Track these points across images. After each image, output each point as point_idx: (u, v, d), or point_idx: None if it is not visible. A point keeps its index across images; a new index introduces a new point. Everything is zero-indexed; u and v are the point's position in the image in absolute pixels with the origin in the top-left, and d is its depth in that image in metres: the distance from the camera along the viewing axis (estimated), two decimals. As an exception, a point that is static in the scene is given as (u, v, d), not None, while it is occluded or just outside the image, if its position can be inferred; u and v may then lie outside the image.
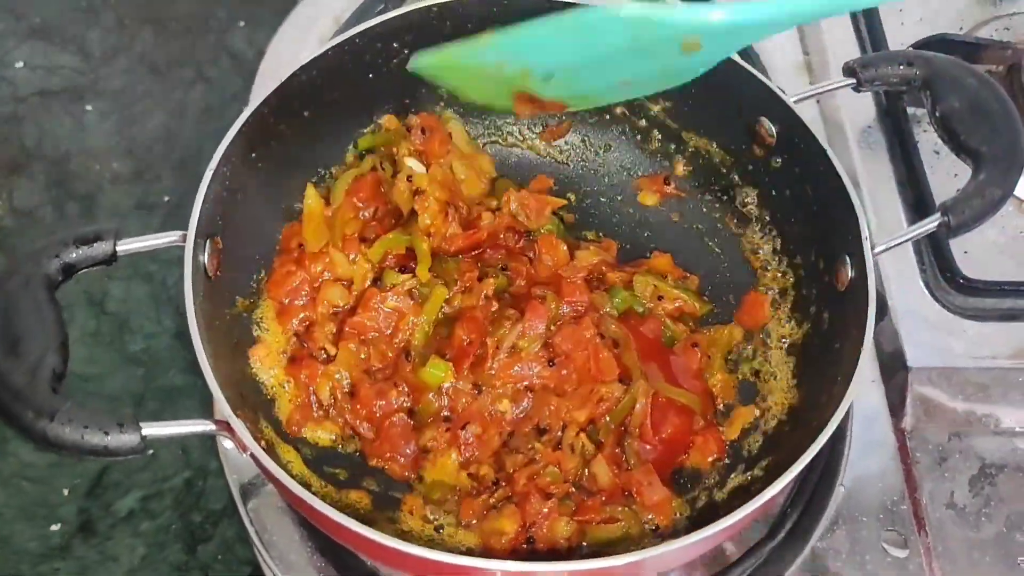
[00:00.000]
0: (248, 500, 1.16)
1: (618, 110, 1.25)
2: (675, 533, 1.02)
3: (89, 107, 1.75)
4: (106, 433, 0.83)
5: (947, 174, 1.30)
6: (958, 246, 1.28)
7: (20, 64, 1.78)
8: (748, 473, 1.06)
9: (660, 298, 1.15)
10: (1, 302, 0.88)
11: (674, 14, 0.84)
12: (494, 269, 1.12)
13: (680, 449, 1.09)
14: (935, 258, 1.28)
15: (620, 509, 1.02)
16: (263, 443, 0.91)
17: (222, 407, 0.87)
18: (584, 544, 1.01)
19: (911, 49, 1.10)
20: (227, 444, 0.90)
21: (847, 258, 1.01)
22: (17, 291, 0.89)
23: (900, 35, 1.48)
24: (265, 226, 1.12)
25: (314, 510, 0.85)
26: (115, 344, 1.51)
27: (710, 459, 1.08)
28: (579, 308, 1.10)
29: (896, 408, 1.22)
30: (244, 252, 1.08)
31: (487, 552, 0.97)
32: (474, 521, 1.00)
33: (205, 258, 0.97)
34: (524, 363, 1.05)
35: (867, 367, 1.25)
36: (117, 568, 1.37)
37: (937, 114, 1.06)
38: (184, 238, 0.95)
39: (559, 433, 1.05)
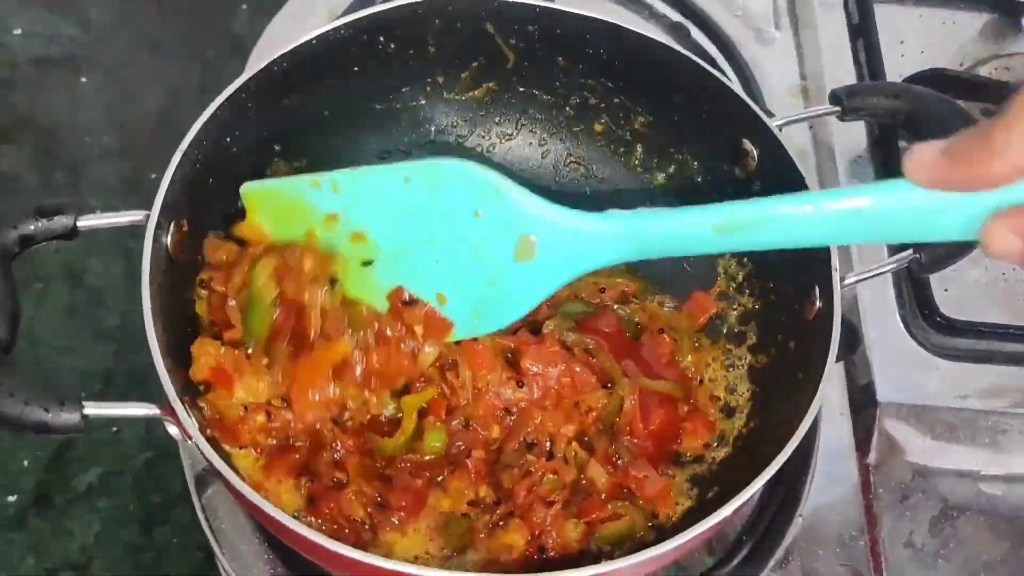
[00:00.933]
0: (202, 489, 1.15)
1: (599, 125, 1.24)
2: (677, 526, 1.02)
3: (84, 79, 1.74)
4: (46, 410, 0.82)
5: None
6: (938, 284, 1.27)
7: (18, 31, 1.77)
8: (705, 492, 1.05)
9: (602, 290, 1.15)
10: None
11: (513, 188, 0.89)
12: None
13: (671, 439, 1.08)
14: (915, 294, 1.27)
15: (622, 504, 1.02)
16: (209, 432, 0.90)
17: (168, 391, 0.86)
18: (593, 544, 1.00)
19: (900, 82, 1.09)
20: (173, 431, 0.89)
21: (816, 289, 0.99)
22: None
23: (899, 66, 1.47)
24: (236, 211, 1.11)
25: (259, 510, 0.84)
26: (89, 319, 1.50)
27: (702, 443, 1.08)
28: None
29: (862, 442, 1.21)
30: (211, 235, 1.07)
31: (499, 569, 0.95)
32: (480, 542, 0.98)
33: (168, 239, 0.96)
34: (492, 392, 1.04)
35: (836, 400, 1.24)
36: (71, 543, 1.36)
37: None
38: (147, 217, 0.94)
39: (548, 446, 1.04)
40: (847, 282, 0.98)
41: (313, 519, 0.96)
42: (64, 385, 1.37)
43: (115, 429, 1.43)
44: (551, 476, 1.01)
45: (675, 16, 1.55)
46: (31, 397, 0.82)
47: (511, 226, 0.91)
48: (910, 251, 1.00)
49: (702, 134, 1.16)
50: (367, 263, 0.98)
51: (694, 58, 1.13)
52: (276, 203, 1.00)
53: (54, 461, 1.41)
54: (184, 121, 1.00)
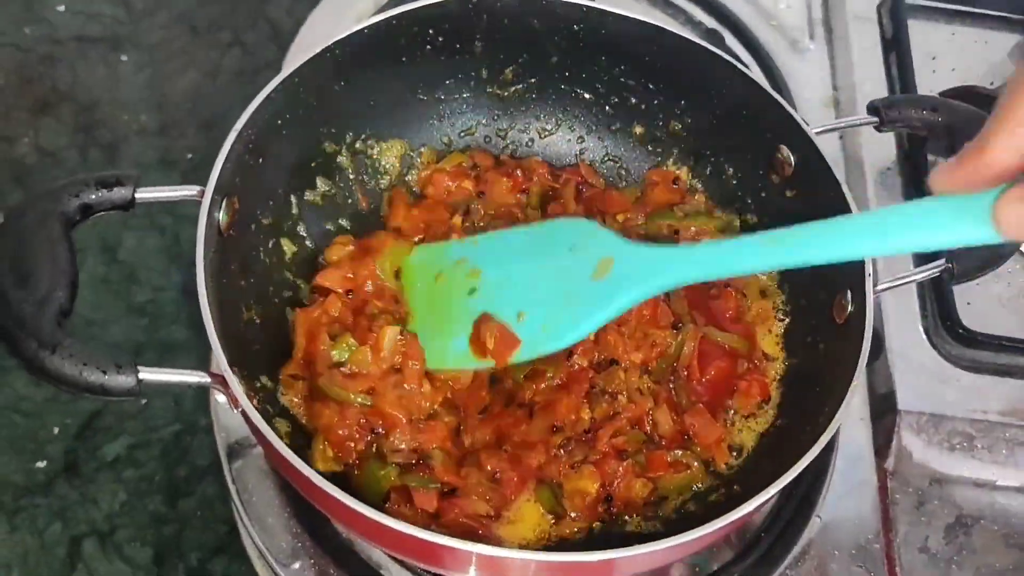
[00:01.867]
0: (233, 460, 1.17)
1: (639, 126, 1.26)
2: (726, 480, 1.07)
3: (124, 57, 1.76)
4: (104, 372, 0.84)
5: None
6: (961, 296, 1.29)
7: (62, 8, 1.79)
8: (724, 491, 1.07)
9: (676, 232, 1.19)
10: (17, 235, 0.90)
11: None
12: None
13: (725, 392, 1.12)
14: (937, 305, 1.29)
15: (683, 453, 1.07)
16: (256, 402, 0.93)
17: (219, 360, 0.89)
18: (657, 495, 1.06)
19: (937, 96, 1.11)
20: (220, 398, 0.91)
21: (848, 292, 1.02)
22: (34, 226, 0.90)
23: (930, 82, 1.50)
24: (282, 193, 1.13)
25: (302, 477, 0.86)
26: (122, 292, 1.53)
27: (754, 402, 1.11)
28: None
29: (881, 448, 1.23)
30: (258, 214, 1.09)
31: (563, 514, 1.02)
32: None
33: (220, 215, 0.99)
34: None
35: (857, 405, 1.27)
36: (96, 511, 1.38)
37: None
38: (202, 193, 0.96)
39: (622, 372, 1.10)
40: (879, 288, 1.00)
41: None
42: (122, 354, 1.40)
43: (144, 401, 1.45)
44: (637, 432, 1.07)
45: (711, 23, 1.57)
46: (90, 359, 0.84)
47: (596, 251, 1.02)
48: (943, 260, 1.02)
49: (739, 138, 1.18)
50: (472, 291, 1.09)
51: (735, 62, 1.15)
52: (425, 256, 1.15)
53: (83, 430, 1.43)
54: (221, 103, 1.03)
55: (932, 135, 1.10)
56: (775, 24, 1.59)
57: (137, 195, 0.95)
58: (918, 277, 1.03)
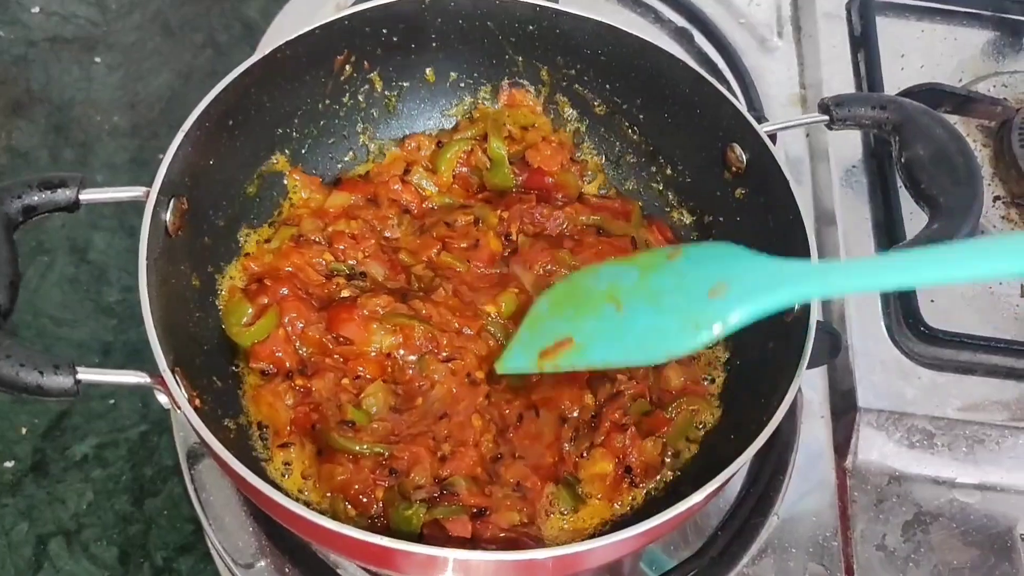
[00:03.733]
0: (193, 462, 1.17)
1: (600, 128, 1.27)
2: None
3: (98, 59, 1.77)
4: (41, 373, 0.84)
5: (923, 219, 1.32)
6: (925, 295, 1.29)
7: (36, 9, 1.80)
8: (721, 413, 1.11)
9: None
10: None
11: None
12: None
13: None
14: (900, 303, 1.29)
15: (676, 403, 1.10)
16: (197, 402, 0.93)
17: (158, 361, 0.89)
18: (668, 452, 1.09)
19: (887, 94, 1.11)
20: (163, 400, 0.91)
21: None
22: None
23: (898, 79, 1.49)
24: (235, 193, 1.13)
25: (248, 484, 0.86)
26: (91, 293, 1.53)
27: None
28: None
29: (841, 446, 1.23)
30: (209, 215, 1.09)
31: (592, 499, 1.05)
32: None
33: (167, 216, 0.99)
34: None
35: (817, 403, 1.26)
36: (64, 511, 1.39)
37: (903, 159, 1.07)
38: (147, 194, 0.96)
39: None
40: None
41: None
42: (62, 355, 1.40)
43: (111, 401, 1.46)
44: (643, 402, 1.10)
45: (680, 21, 1.57)
46: (27, 360, 0.84)
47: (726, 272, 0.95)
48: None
49: (693, 136, 1.18)
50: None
51: (689, 62, 1.15)
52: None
53: (51, 430, 1.44)
54: (193, 103, 1.03)
55: (882, 132, 1.10)
56: (744, 22, 1.59)
57: (81, 196, 0.95)
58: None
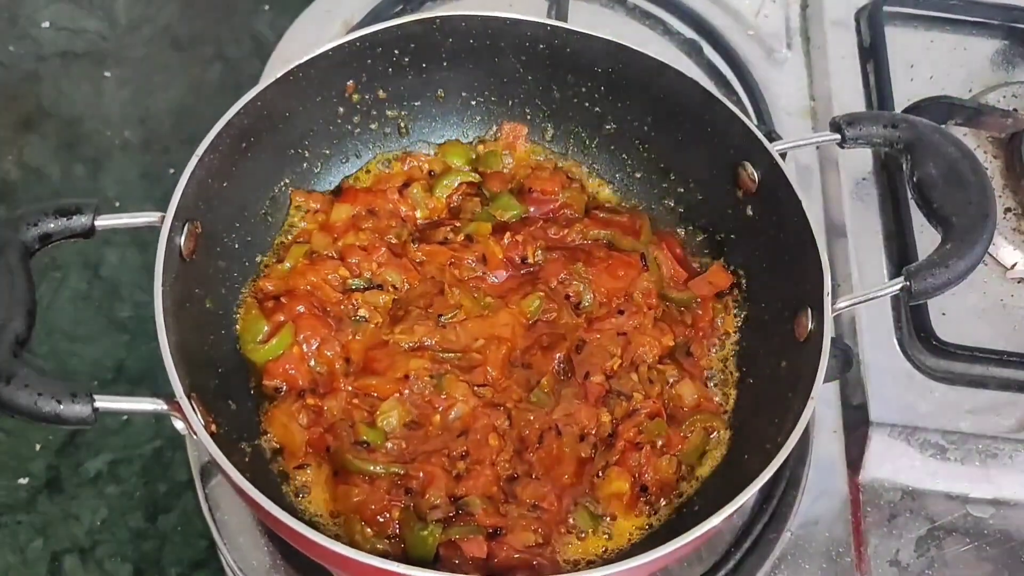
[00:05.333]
0: (206, 479, 1.18)
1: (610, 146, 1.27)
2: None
3: (108, 73, 1.78)
4: (59, 402, 0.85)
5: (935, 235, 1.32)
6: (936, 308, 1.29)
7: (46, 24, 1.81)
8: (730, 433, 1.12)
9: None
10: None
11: None
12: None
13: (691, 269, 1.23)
14: (912, 317, 1.29)
15: (690, 421, 1.11)
16: (213, 427, 0.93)
17: (175, 388, 0.89)
18: (684, 468, 1.09)
19: (898, 112, 1.11)
20: (179, 426, 0.92)
21: (809, 310, 1.02)
22: None
23: (908, 91, 1.49)
24: (248, 216, 1.14)
25: (262, 509, 0.87)
26: (103, 309, 1.54)
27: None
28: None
29: (854, 461, 1.23)
30: (223, 238, 1.10)
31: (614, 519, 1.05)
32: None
33: (182, 241, 0.99)
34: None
35: (830, 418, 1.26)
36: (78, 527, 1.40)
37: (915, 178, 1.08)
38: (162, 219, 0.97)
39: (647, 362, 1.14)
40: (839, 306, 1.01)
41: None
42: (76, 373, 1.41)
43: (125, 418, 1.47)
44: (660, 421, 1.10)
45: (689, 33, 1.57)
46: (45, 389, 0.84)
47: None
48: (900, 279, 1.02)
49: (704, 154, 1.18)
50: None
51: (700, 80, 1.15)
52: None
53: (65, 446, 1.45)
54: (204, 118, 1.03)
55: (893, 151, 1.10)
56: (752, 34, 1.59)
57: (97, 223, 0.96)
58: (874, 296, 1.04)
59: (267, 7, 1.86)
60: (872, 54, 1.54)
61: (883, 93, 1.48)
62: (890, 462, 1.23)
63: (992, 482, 1.22)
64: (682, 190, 1.24)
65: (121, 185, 1.61)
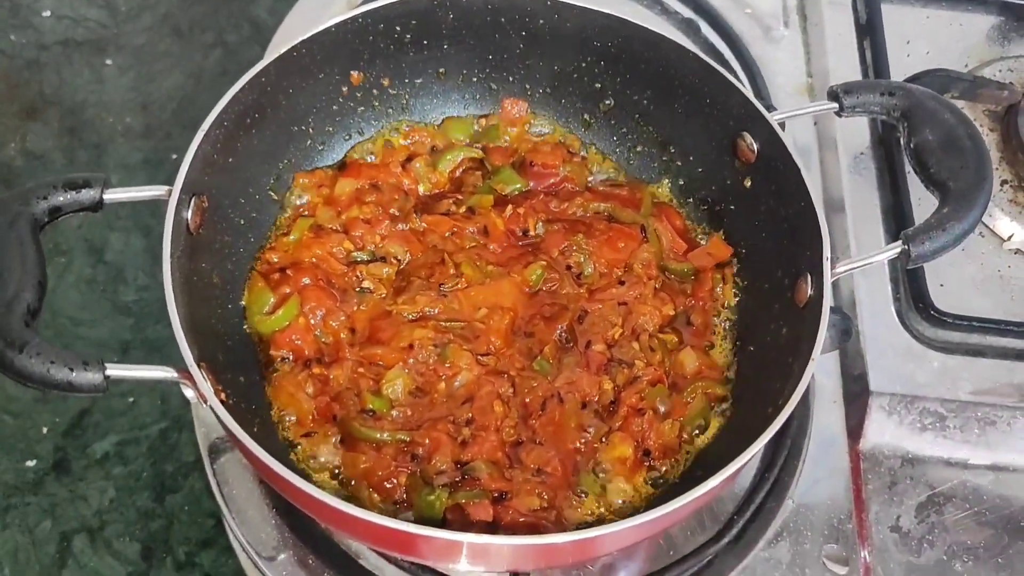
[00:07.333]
0: (214, 456, 1.19)
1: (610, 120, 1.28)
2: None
3: (109, 61, 1.79)
4: (71, 370, 0.86)
5: (932, 204, 1.33)
6: (934, 278, 1.30)
7: (47, 13, 1.82)
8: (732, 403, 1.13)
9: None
10: None
11: None
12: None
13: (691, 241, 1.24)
14: (910, 287, 1.30)
15: (692, 387, 1.13)
16: (223, 396, 0.95)
17: (185, 356, 0.91)
18: (685, 432, 1.11)
19: (895, 80, 1.12)
20: (190, 394, 0.93)
21: (808, 276, 1.03)
22: (2, 228, 0.93)
23: (904, 66, 1.50)
24: (254, 192, 1.15)
25: (273, 474, 0.88)
26: (108, 292, 1.55)
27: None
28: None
29: (854, 430, 1.24)
30: (229, 213, 1.11)
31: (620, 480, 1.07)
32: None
33: (189, 214, 1.01)
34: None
35: (830, 388, 1.28)
36: (86, 508, 1.41)
37: (912, 145, 1.08)
38: (169, 192, 0.98)
39: (648, 330, 1.15)
40: (838, 270, 1.02)
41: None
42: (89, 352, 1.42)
43: (131, 399, 1.48)
44: (661, 387, 1.12)
45: (687, 12, 1.58)
46: (57, 358, 0.86)
47: None
48: (898, 243, 1.03)
49: (703, 126, 1.19)
50: None
51: (699, 53, 1.16)
52: None
53: (72, 428, 1.46)
54: (205, 104, 1.04)
55: (890, 119, 1.11)
56: (750, 12, 1.60)
57: (105, 196, 0.97)
58: (873, 260, 1.05)
59: (266, -7, 1.87)
60: (868, 31, 1.55)
61: (880, 69, 1.49)
62: (890, 431, 1.24)
63: (991, 449, 1.24)
64: (681, 163, 1.25)
65: (124, 170, 1.62)
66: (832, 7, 1.59)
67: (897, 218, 1.35)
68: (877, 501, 1.20)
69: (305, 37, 1.11)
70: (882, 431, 1.24)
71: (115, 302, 1.54)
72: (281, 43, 1.14)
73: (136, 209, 1.47)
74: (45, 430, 1.46)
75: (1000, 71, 1.52)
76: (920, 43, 1.56)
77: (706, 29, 1.57)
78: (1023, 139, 1.41)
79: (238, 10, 1.84)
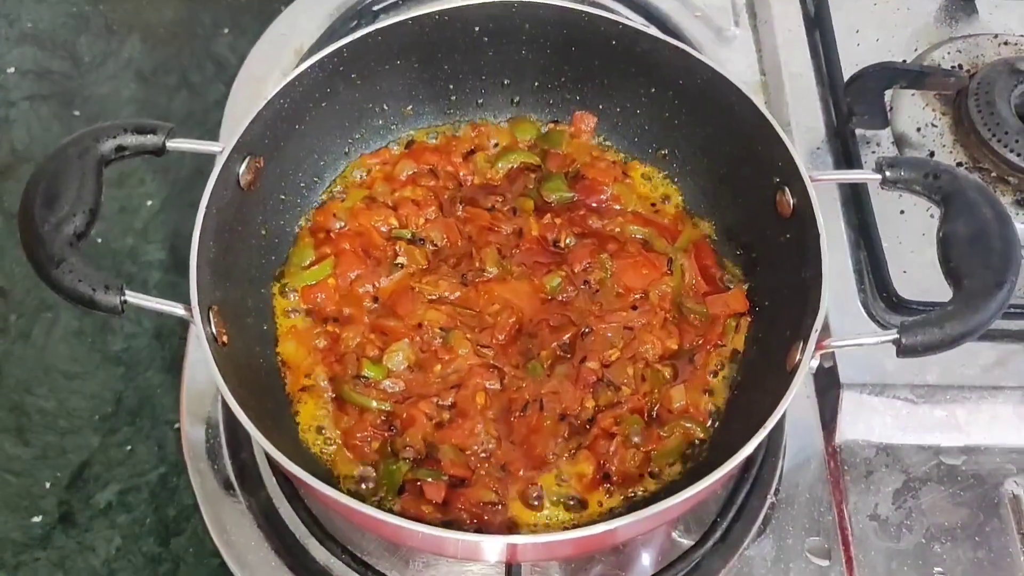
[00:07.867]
0: (209, 505, 1.23)
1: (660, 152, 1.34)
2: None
3: (77, 112, 1.81)
4: (94, 290, 0.99)
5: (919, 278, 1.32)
6: (896, 266, 1.33)
7: (11, 70, 1.83)
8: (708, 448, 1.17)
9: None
10: (57, 163, 1.04)
11: None
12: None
13: (715, 277, 1.27)
14: (873, 276, 1.33)
15: (671, 425, 1.16)
16: (224, 339, 1.04)
17: (192, 295, 1.01)
18: (653, 465, 1.15)
19: (942, 163, 1.09)
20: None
21: (800, 342, 1.04)
22: (72, 157, 1.05)
23: (855, 56, 1.52)
24: (319, 158, 1.26)
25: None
26: (97, 344, 1.58)
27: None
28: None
29: (828, 423, 1.28)
30: (289, 174, 1.24)
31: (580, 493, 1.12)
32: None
33: (240, 171, 1.12)
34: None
35: (802, 383, 1.31)
36: (94, 558, 1.44)
37: (941, 233, 1.06)
38: (224, 149, 1.10)
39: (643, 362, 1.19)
40: (828, 343, 1.04)
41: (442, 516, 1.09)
42: (77, 410, 1.50)
43: (128, 448, 1.51)
44: (636, 417, 1.16)
45: (638, 20, 1.61)
46: (85, 277, 0.99)
47: None
48: (894, 331, 1.02)
49: (755, 171, 1.20)
50: None
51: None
52: None
53: (74, 481, 1.49)
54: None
55: (931, 200, 1.08)
56: (700, 15, 1.63)
57: (168, 144, 1.08)
58: (866, 342, 1.05)
59: (226, 30, 1.89)
60: (818, 23, 1.58)
61: (830, 61, 1.52)
62: (863, 421, 1.28)
63: (962, 430, 1.28)
64: (730, 204, 1.28)
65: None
66: (780, 2, 1.62)
67: (876, 285, 1.33)
68: (855, 491, 1.24)
69: (382, 26, 1.20)
70: (855, 422, 1.28)
71: (104, 353, 1.57)
72: (250, 79, 1.24)
73: (118, 258, 1.51)
74: (48, 485, 1.49)
75: (949, 53, 1.55)
76: (869, 31, 1.59)
77: (658, 35, 1.59)
78: (974, 120, 1.44)
79: (200, 50, 1.86)
